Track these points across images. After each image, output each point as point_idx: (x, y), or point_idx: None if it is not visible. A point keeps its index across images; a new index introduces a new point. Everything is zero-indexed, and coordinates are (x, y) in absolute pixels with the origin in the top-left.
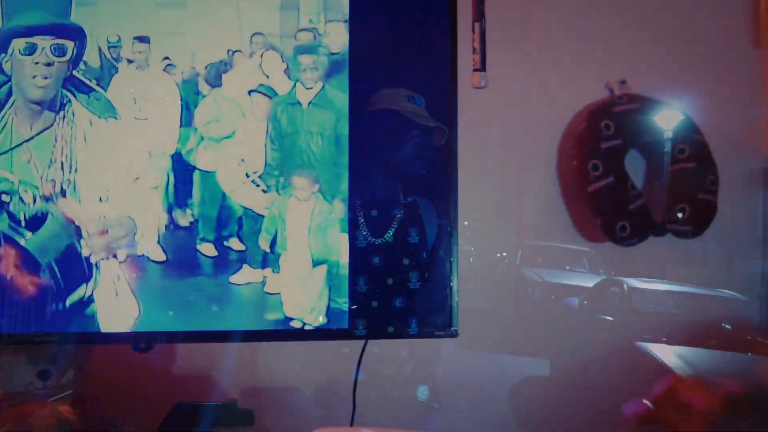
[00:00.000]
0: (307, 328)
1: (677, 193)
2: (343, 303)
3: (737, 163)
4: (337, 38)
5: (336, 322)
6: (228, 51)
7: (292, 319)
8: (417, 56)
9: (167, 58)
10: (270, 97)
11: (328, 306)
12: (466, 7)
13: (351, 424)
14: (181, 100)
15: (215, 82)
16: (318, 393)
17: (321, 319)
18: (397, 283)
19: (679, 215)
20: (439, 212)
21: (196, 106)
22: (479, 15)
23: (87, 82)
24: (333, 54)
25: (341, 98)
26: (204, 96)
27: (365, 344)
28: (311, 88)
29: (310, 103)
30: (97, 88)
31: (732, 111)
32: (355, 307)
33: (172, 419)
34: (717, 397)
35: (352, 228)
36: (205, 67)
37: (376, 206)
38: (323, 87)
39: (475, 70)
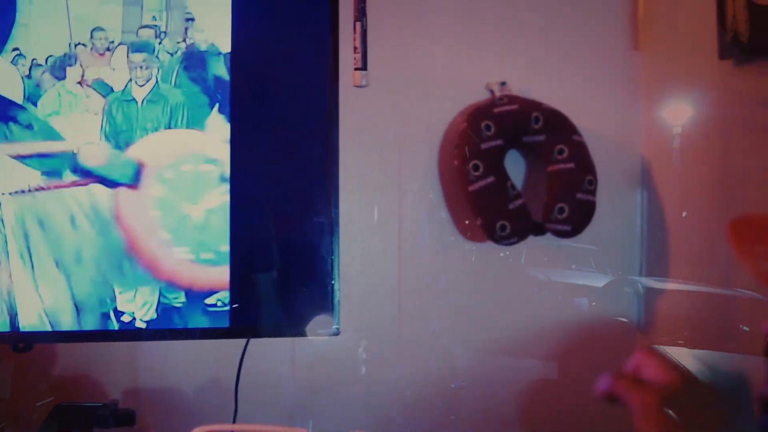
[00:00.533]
0: (139, 324)
1: (556, 193)
2: (174, 299)
3: (615, 163)
4: (188, 34)
5: (216, 321)
6: (71, 44)
7: (123, 313)
8: (296, 55)
9: (17, 49)
10: (104, 94)
11: (158, 302)
12: (348, 6)
13: (234, 423)
14: (24, 91)
15: (59, 74)
16: (201, 392)
17: (151, 315)
18: (278, 283)
19: (558, 215)
20: (320, 211)
21: (39, 98)
22: (360, 14)
23: None
24: (172, 53)
25: (177, 95)
26: (47, 89)
27: (247, 343)
28: (143, 86)
29: (144, 100)
30: None
31: (610, 112)
32: (236, 305)
33: (51, 421)
34: (677, 377)
35: (233, 226)
36: (47, 59)
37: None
38: (156, 84)
39: (356, 68)
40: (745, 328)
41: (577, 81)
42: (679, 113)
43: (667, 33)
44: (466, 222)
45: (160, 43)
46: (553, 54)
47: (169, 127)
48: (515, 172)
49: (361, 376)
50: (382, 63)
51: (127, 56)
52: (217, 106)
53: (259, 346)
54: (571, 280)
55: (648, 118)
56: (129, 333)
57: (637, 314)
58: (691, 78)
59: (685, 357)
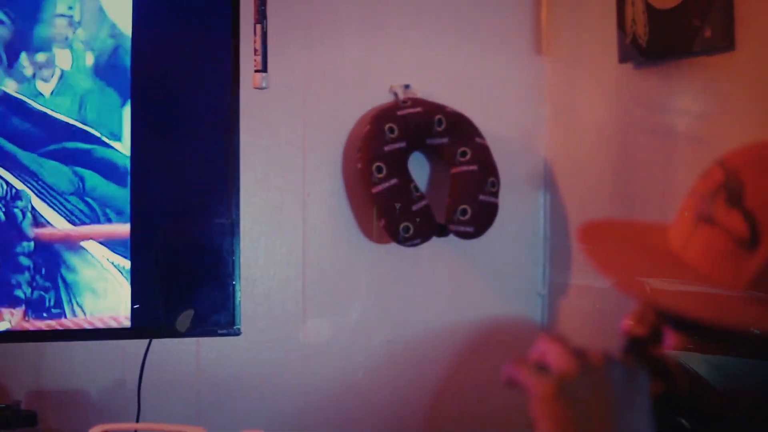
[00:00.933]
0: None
1: (459, 195)
2: None
3: (520, 165)
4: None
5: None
6: None
7: None
8: (199, 59)
9: None
10: None
11: None
12: (250, 9)
13: (137, 422)
14: None
15: None
16: (104, 392)
17: None
18: (179, 284)
19: (461, 216)
20: (221, 212)
21: None
22: (261, 16)
23: None
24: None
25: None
26: None
27: (149, 343)
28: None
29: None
30: None
31: (515, 115)
32: (137, 306)
33: None
34: (576, 365)
35: (134, 228)
36: None
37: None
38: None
39: (256, 71)
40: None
41: (481, 84)
42: (581, 116)
43: (569, 37)
44: (372, 224)
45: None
46: (458, 57)
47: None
48: (419, 174)
49: (265, 376)
50: (287, 66)
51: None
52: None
53: (165, 346)
54: (476, 281)
55: (551, 121)
56: (32, 334)
57: (540, 314)
58: (593, 82)
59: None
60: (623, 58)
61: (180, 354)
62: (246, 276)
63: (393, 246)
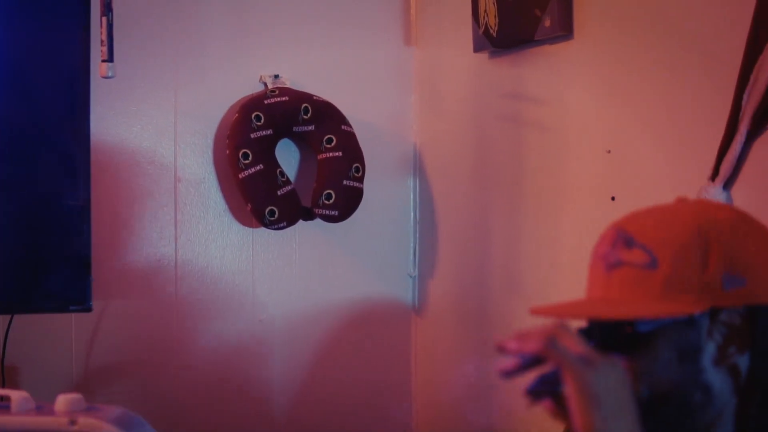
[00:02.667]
0: None
1: (324, 180)
2: None
3: (390, 152)
4: None
5: None
6: None
7: None
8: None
9: None
10: None
11: None
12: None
13: None
14: None
15: None
16: None
17: None
18: (33, 260)
19: (326, 201)
20: (73, 195)
21: None
22: (106, 9)
23: None
24: None
25: None
26: None
27: (11, 319)
28: None
29: None
30: None
31: (385, 104)
32: None
33: None
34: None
35: None
36: None
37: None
38: None
39: (103, 60)
40: None
41: (353, 74)
42: (445, 104)
43: (435, 29)
44: (242, 208)
45: None
46: (330, 48)
47: None
48: (289, 160)
49: (139, 352)
50: (157, 55)
51: None
52: None
53: (40, 322)
54: (349, 263)
55: (420, 110)
56: None
57: (411, 295)
58: (455, 71)
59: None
60: (477, 48)
61: (57, 330)
62: (119, 257)
63: (266, 230)
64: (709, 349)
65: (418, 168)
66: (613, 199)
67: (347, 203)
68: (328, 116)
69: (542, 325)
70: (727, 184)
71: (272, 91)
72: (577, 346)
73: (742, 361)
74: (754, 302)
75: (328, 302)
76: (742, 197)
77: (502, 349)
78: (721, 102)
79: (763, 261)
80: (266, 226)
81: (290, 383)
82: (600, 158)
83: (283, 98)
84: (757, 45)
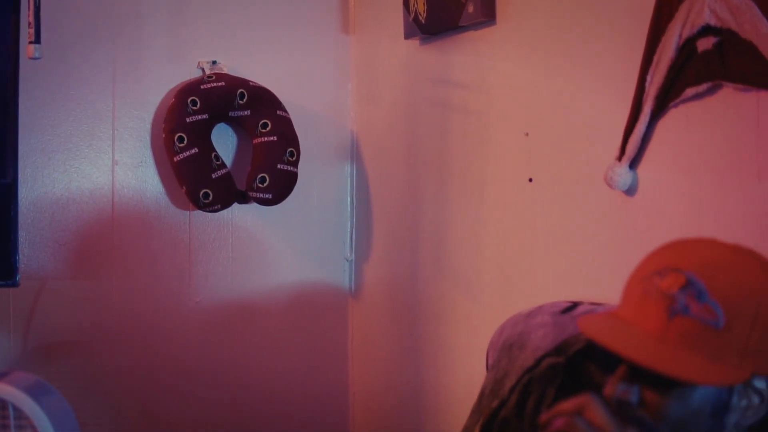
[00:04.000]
0: None
1: (259, 164)
2: None
3: (328, 138)
4: None
5: None
6: None
7: None
8: None
9: None
10: None
11: None
12: None
13: None
14: None
15: None
16: None
17: None
18: None
19: (260, 184)
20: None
21: None
22: None
23: None
24: None
25: None
26: None
27: None
28: None
29: None
30: None
31: (323, 91)
32: None
33: None
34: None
35: None
36: None
37: None
38: None
39: (30, 42)
40: None
41: (292, 62)
42: (380, 91)
43: (371, 17)
44: (179, 191)
45: None
46: (270, 36)
47: None
48: (226, 145)
49: (74, 330)
50: (94, 39)
51: None
52: None
53: None
54: (286, 247)
55: (357, 97)
56: None
57: (348, 279)
58: (388, 58)
59: None
60: (408, 35)
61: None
62: (56, 239)
63: (203, 213)
64: (737, 412)
65: (355, 154)
66: (530, 180)
67: (281, 187)
68: (263, 102)
69: (574, 400)
70: (633, 164)
71: (209, 76)
72: (601, 425)
73: (756, 423)
74: None
75: (265, 286)
76: (647, 176)
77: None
78: (632, 84)
79: None
80: (201, 208)
81: (226, 366)
82: (519, 141)
83: (220, 84)
84: (660, 27)
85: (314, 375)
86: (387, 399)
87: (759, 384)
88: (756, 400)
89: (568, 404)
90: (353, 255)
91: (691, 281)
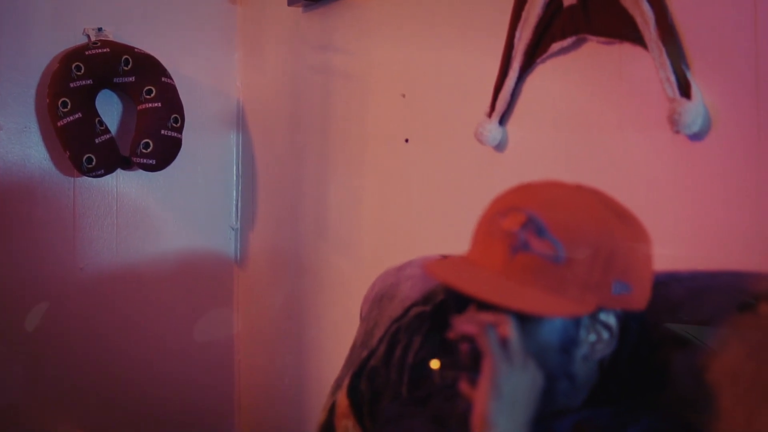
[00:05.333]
0: None
1: (143, 130)
2: None
3: (214, 106)
4: None
5: None
6: None
7: None
8: None
9: None
10: None
11: None
12: None
13: None
14: None
15: None
16: None
17: None
18: None
19: (144, 150)
20: None
21: None
22: None
23: None
24: None
25: None
26: None
27: None
28: None
29: None
30: None
31: (210, 59)
32: None
33: None
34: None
35: None
36: None
37: None
38: None
39: None
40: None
41: (177, 29)
42: (267, 60)
43: None
44: (63, 156)
45: None
46: (156, 3)
47: None
48: (111, 111)
49: None
50: None
51: None
52: None
53: None
54: (171, 215)
55: (244, 66)
56: None
57: (233, 247)
58: (274, 26)
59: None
60: (291, 1)
61: None
62: None
63: (87, 179)
64: (584, 345)
65: (241, 122)
66: (407, 141)
67: (165, 153)
68: (148, 68)
69: (491, 313)
70: (503, 120)
71: (94, 43)
72: (507, 341)
73: (607, 357)
74: (631, 308)
75: (150, 253)
76: (516, 132)
77: (454, 328)
78: (503, 42)
79: (647, 274)
80: (84, 173)
81: (110, 332)
82: (396, 102)
83: (105, 50)
84: None
85: (199, 342)
86: (272, 363)
87: (606, 318)
88: (605, 335)
89: (485, 315)
90: (239, 223)
91: (531, 218)
